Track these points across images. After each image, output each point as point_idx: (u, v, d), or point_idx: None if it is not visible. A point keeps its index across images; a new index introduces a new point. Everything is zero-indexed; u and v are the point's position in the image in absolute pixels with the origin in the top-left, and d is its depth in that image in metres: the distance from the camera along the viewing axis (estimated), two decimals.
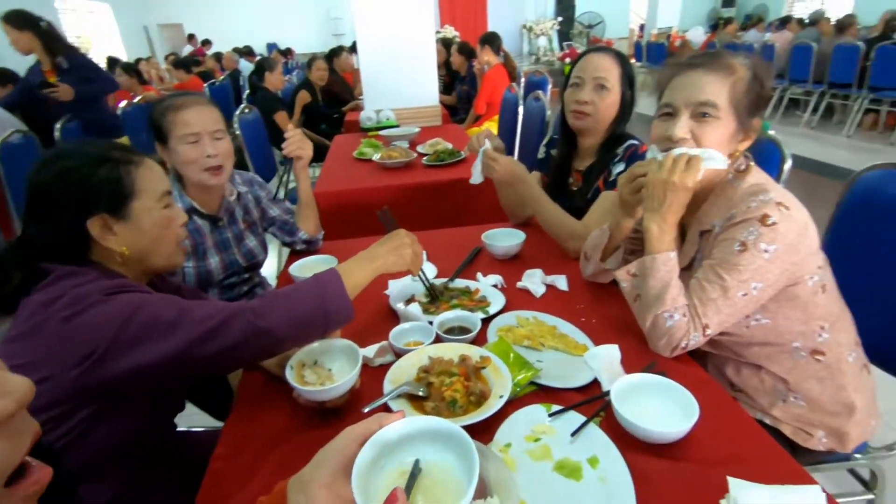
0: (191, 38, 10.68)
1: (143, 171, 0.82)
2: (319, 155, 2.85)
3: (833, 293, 0.90)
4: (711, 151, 0.84)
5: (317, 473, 0.45)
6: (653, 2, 9.20)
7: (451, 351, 0.86)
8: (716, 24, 8.16)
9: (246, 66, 7.39)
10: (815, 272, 0.85)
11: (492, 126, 3.54)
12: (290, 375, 0.78)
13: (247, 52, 8.51)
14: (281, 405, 0.82)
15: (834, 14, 7.03)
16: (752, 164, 0.90)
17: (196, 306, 0.74)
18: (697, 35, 8.03)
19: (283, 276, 1.25)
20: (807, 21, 6.73)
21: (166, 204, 0.84)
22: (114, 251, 0.79)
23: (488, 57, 3.68)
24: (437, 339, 0.92)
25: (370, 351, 0.90)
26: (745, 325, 0.87)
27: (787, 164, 1.33)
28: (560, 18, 13.49)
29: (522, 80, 4.07)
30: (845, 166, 4.27)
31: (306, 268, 1.22)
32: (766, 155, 1.35)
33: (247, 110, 2.84)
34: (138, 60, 6.80)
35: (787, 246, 0.79)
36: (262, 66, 3.46)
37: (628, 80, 1.28)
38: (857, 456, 0.99)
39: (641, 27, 10.96)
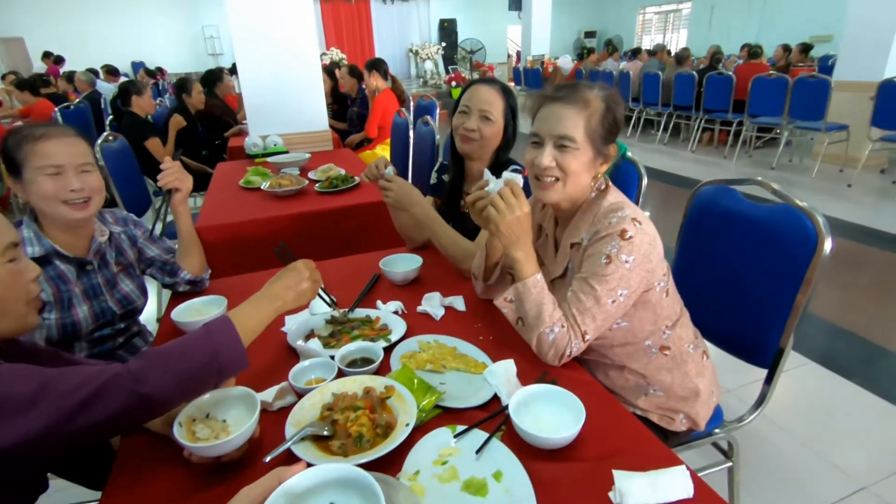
0: (47, 56, 9.40)
1: None
2: (201, 184, 2.67)
3: (674, 295, 1.05)
4: (517, 177, 0.96)
5: None
6: (526, 31, 9.99)
7: (355, 384, 0.86)
8: (581, 54, 9.09)
9: (107, 88, 6.68)
10: (662, 278, 0.99)
11: (384, 150, 3.58)
12: (179, 433, 0.71)
13: (108, 72, 7.69)
14: (170, 466, 0.75)
15: (674, 47, 8.23)
16: (610, 184, 1.03)
17: (61, 375, 0.64)
18: (566, 62, 8.87)
19: (165, 322, 1.15)
20: (652, 52, 7.76)
21: (11, 258, 0.72)
22: None
23: (377, 82, 3.73)
24: (340, 374, 0.91)
25: (269, 394, 0.86)
26: (608, 328, 0.99)
27: (644, 181, 1.52)
28: (444, 44, 14.10)
29: (411, 103, 4.19)
30: (692, 177, 4.97)
31: (192, 311, 1.14)
32: (628, 173, 1.54)
33: (111, 138, 2.57)
34: None
35: (642, 256, 0.91)
36: (128, 90, 3.15)
37: (511, 112, 1.38)
38: (716, 431, 1.15)
39: (518, 54, 11.83)
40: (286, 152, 2.83)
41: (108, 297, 1.20)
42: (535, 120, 1.00)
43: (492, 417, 0.81)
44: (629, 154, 1.55)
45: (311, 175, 2.34)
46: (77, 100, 5.36)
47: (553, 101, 0.97)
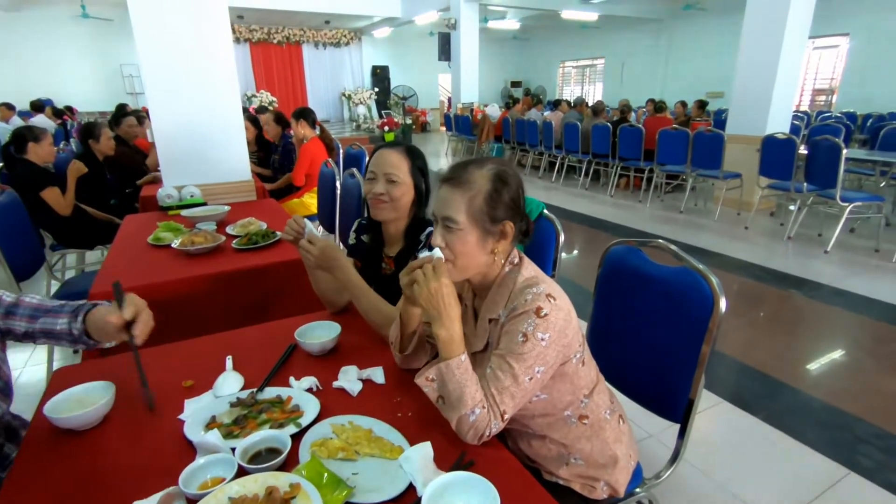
0: None
1: None
2: (108, 237, 2.46)
3: (590, 363, 1.08)
4: (436, 251, 0.97)
5: None
6: (455, 80, 10.44)
7: (257, 484, 0.78)
8: (508, 103, 9.61)
9: (2, 129, 6.12)
10: (578, 349, 1.01)
11: (311, 199, 3.51)
12: None
13: (6, 107, 7.07)
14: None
15: (591, 98, 8.94)
16: (524, 258, 1.05)
17: None
18: (494, 110, 9.32)
19: (38, 417, 1.00)
20: (572, 104, 8.36)
21: None
22: None
23: (304, 130, 3.69)
24: (242, 472, 0.83)
25: (152, 502, 0.76)
26: (528, 401, 0.98)
27: (562, 238, 1.58)
28: (376, 89, 14.40)
29: (341, 152, 4.18)
30: (612, 220, 5.29)
31: (72, 402, 1.00)
32: (546, 232, 1.59)
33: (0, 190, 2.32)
34: None
35: (557, 332, 0.93)
36: (24, 136, 2.89)
37: (419, 171, 1.40)
38: (637, 491, 1.17)
39: (450, 100, 12.29)
40: (204, 204, 2.70)
41: None
42: (433, 199, 1.02)
43: None
44: (546, 212, 1.63)
45: (229, 230, 2.23)
46: None
47: (444, 182, 0.99)
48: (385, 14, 11.41)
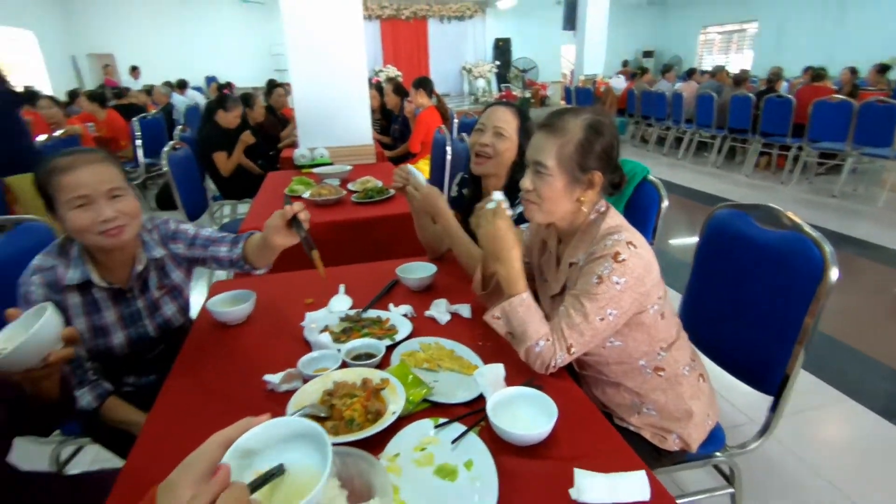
0: (133, 69, 10.34)
1: None
2: (255, 190, 2.89)
3: (671, 318, 1.07)
4: (497, 195, 1.07)
5: (183, 476, 0.50)
6: (580, 50, 9.99)
7: (355, 375, 0.95)
8: (634, 74, 8.97)
9: (179, 100, 7.27)
10: (657, 302, 1.01)
11: (425, 165, 3.71)
12: None
13: (179, 86, 8.35)
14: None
15: (737, 68, 8.00)
16: (611, 207, 1.07)
17: None
18: (619, 82, 8.78)
19: (203, 312, 1.29)
20: (710, 73, 7.56)
21: None
22: None
23: (422, 99, 3.89)
24: (344, 366, 1.00)
25: (277, 377, 0.96)
26: (601, 346, 1.02)
27: (664, 204, 1.53)
28: (497, 62, 14.30)
29: (455, 120, 4.32)
30: (743, 201, 4.79)
31: (225, 301, 1.27)
32: (649, 196, 1.56)
33: (177, 147, 2.84)
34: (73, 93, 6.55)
35: (635, 279, 0.95)
36: (222, 102, 3.45)
37: (525, 133, 1.45)
38: (717, 454, 1.15)
39: (572, 73, 11.81)
40: (331, 164, 3.02)
41: (148, 322, 1.22)
42: (529, 146, 1.07)
43: (471, 414, 0.87)
44: (650, 177, 1.59)
45: (350, 186, 2.49)
46: (154, 111, 5.88)
47: (540, 128, 1.03)
48: None
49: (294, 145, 4.01)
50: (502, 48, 14.92)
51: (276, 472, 0.52)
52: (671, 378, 1.06)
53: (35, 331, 0.77)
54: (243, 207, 3.87)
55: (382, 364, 1.02)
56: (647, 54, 15.68)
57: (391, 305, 1.27)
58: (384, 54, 14.15)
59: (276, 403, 0.92)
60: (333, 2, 2.97)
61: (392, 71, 11.11)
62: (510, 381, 0.95)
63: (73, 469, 1.27)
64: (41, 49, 10.98)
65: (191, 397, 0.98)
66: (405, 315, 1.23)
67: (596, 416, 0.89)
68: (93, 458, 1.53)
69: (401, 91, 4.30)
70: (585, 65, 9.82)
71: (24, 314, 0.86)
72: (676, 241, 3.95)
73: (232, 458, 0.51)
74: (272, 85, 4.69)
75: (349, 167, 2.79)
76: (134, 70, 10.21)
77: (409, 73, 13.76)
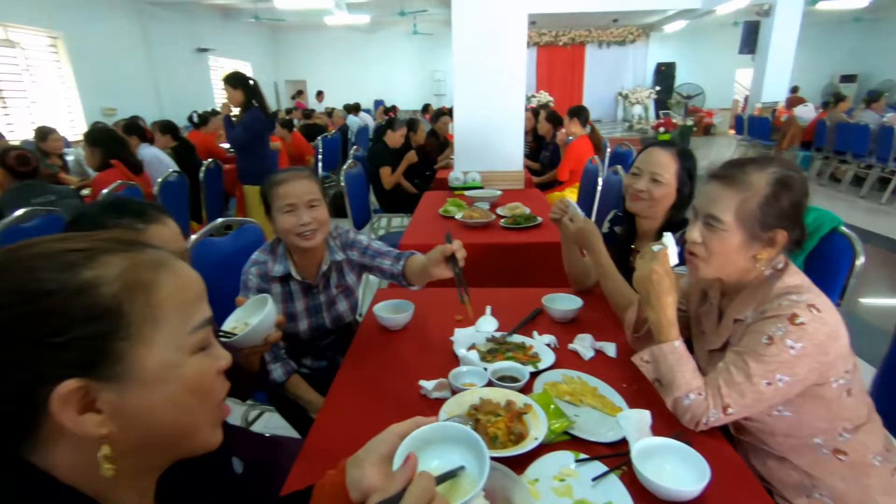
0: (319, 94, 12.02)
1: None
2: (411, 207, 3.18)
3: (860, 397, 0.93)
4: (666, 238, 1.01)
5: (369, 456, 0.61)
6: (758, 75, 8.98)
7: (500, 395, 1.01)
8: (827, 102, 7.78)
9: (353, 121, 8.24)
10: (843, 376, 0.90)
11: (572, 194, 3.69)
12: None
13: (354, 108, 9.45)
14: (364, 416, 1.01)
15: None
16: (790, 264, 0.98)
17: None
18: (807, 112, 7.70)
19: (369, 315, 1.47)
20: None
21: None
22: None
23: (575, 128, 3.88)
24: (489, 384, 1.07)
25: (430, 384, 1.07)
26: (766, 413, 0.93)
27: (860, 261, 1.34)
28: (658, 88, 13.54)
29: (608, 150, 4.22)
30: None
31: (388, 309, 1.43)
32: (840, 250, 1.38)
33: (353, 165, 3.25)
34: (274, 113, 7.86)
35: (815, 346, 0.86)
36: (391, 123, 3.93)
37: (687, 174, 1.39)
38: None
39: (747, 99, 10.68)
40: (482, 188, 3.18)
41: (326, 315, 1.45)
42: (697, 194, 1.03)
43: (615, 455, 0.87)
44: (843, 228, 1.40)
45: (499, 210, 2.60)
46: (333, 131, 6.77)
47: (714, 178, 0.98)
48: (682, 6, 10.60)
49: (448, 167, 4.30)
50: (665, 73, 14.11)
51: (457, 472, 0.59)
52: (856, 465, 0.93)
53: (262, 317, 0.98)
54: (396, 221, 4.26)
55: (525, 389, 1.07)
56: (847, 78, 13.46)
57: (535, 333, 1.31)
58: (538, 80, 14.34)
59: (427, 407, 1.02)
60: (502, 32, 3.14)
61: (544, 96, 11.22)
62: (656, 430, 0.92)
63: (254, 429, 1.55)
64: (253, 76, 13.33)
65: (358, 388, 1.13)
66: (548, 345, 1.26)
67: (754, 486, 0.82)
68: (265, 424, 1.83)
69: (555, 119, 4.35)
70: (765, 91, 8.80)
71: (246, 302, 1.09)
72: (873, 303, 3.33)
73: (404, 451, 0.61)
74: (440, 112, 5.10)
75: (499, 192, 2.91)
76: (319, 94, 11.85)
77: (561, 99, 13.75)
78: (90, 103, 7.70)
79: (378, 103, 13.12)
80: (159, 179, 2.84)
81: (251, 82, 3.29)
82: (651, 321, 1.01)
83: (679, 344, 0.97)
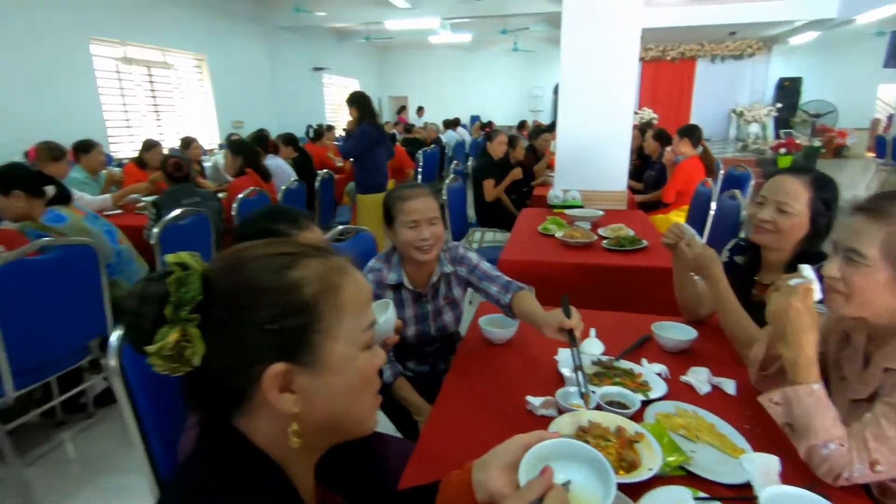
0: (419, 109, 12.56)
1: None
2: (508, 223, 3.22)
3: None
4: (806, 270, 0.93)
5: (494, 460, 0.64)
6: None
7: (609, 420, 1.00)
8: None
9: (451, 136, 8.48)
10: None
11: (678, 217, 3.51)
12: None
13: (453, 123, 9.72)
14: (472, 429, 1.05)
15: None
16: None
17: None
18: None
19: (473, 326, 1.52)
20: None
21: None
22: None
23: (685, 148, 3.69)
24: (598, 408, 1.06)
25: (537, 401, 1.08)
26: None
27: None
28: (779, 105, 12.39)
29: (721, 172, 3.95)
30: None
31: (492, 323, 1.47)
32: None
33: (454, 180, 3.37)
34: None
35: None
36: (490, 135, 4.05)
37: (823, 204, 1.28)
38: None
39: (890, 118, 9.43)
40: (582, 206, 3.13)
41: (432, 323, 1.51)
42: (838, 227, 0.95)
43: (739, 499, 0.82)
44: None
45: (600, 231, 2.54)
46: (431, 146, 7.03)
47: (859, 210, 0.90)
48: (814, 16, 9.62)
49: (546, 184, 4.29)
50: (788, 89, 12.89)
51: (566, 487, 0.61)
52: None
53: (384, 321, 1.06)
54: (489, 235, 4.31)
55: (635, 417, 1.04)
56: None
57: (644, 361, 1.28)
58: (641, 96, 13.76)
59: (533, 422, 1.04)
60: (613, 48, 3.09)
61: (647, 113, 10.74)
62: (785, 478, 0.86)
63: None
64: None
65: (464, 397, 1.18)
66: (659, 374, 1.22)
67: None
68: None
69: (663, 138, 4.17)
70: None
71: None
72: None
73: (529, 461, 0.63)
74: (539, 129, 5.12)
75: (601, 212, 2.85)
76: (419, 110, 12.35)
77: (665, 116, 13.04)
78: (223, 116, 8.71)
79: (474, 119, 13.38)
80: (283, 187, 3.14)
81: (366, 100, 3.57)
82: (786, 360, 0.94)
83: (819, 387, 0.90)
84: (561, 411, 1.06)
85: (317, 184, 3.61)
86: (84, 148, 3.68)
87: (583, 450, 0.65)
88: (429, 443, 1.02)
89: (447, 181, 3.21)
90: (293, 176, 3.68)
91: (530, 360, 1.34)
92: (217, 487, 0.48)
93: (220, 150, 6.36)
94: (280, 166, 3.73)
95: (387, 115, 14.79)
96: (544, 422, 1.02)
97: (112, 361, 1.02)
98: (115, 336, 1.03)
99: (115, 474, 1.99)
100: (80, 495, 1.90)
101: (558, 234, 2.44)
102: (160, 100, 7.69)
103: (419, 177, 5.50)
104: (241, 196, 2.67)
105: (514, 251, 2.38)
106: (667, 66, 13.64)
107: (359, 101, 3.56)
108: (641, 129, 4.81)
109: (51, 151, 3.07)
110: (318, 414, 0.52)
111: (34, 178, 2.10)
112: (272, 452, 0.52)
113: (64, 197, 2.17)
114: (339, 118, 12.80)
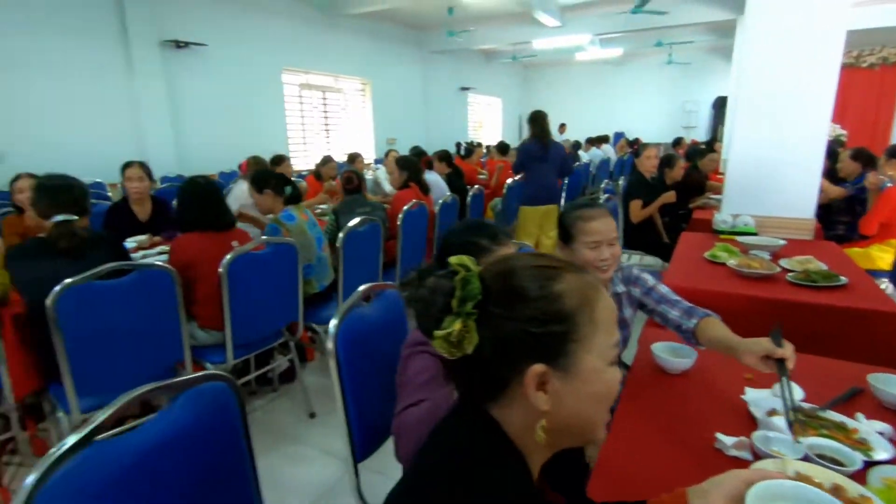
0: (562, 126, 12.47)
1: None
2: (654, 247, 3.02)
3: None
4: None
5: (715, 490, 0.62)
6: None
7: (823, 475, 0.89)
8: None
9: (596, 154, 8.23)
10: None
11: (879, 253, 2.97)
12: None
13: (597, 140, 9.40)
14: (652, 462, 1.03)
15: None
16: None
17: None
18: None
19: (644, 351, 1.47)
20: None
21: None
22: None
23: (893, 171, 3.12)
24: (805, 459, 0.96)
25: (729, 440, 1.01)
26: None
27: None
28: None
29: None
30: None
31: (667, 351, 1.40)
32: None
33: (610, 199, 3.28)
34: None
35: None
36: (639, 150, 3.91)
37: None
38: None
39: None
40: (755, 234, 2.82)
41: None
42: None
43: None
44: None
45: (782, 262, 2.27)
46: (578, 163, 6.90)
47: None
48: None
49: (706, 207, 3.95)
50: None
51: None
52: None
53: None
54: (635, 258, 4.09)
55: (854, 478, 0.92)
56: None
57: (860, 415, 1.12)
58: None
59: (725, 462, 0.97)
60: (807, 54, 2.75)
61: (834, 129, 9.25)
62: None
63: None
64: (503, 110, 14.58)
65: (642, 423, 1.15)
66: (881, 433, 1.06)
67: None
68: None
69: (865, 158, 3.57)
70: None
71: None
72: None
73: (758, 497, 0.60)
74: (707, 149, 4.75)
75: (782, 241, 2.54)
76: (562, 126, 12.21)
77: (857, 133, 11.08)
78: (379, 134, 9.60)
79: (618, 136, 12.82)
80: (440, 201, 3.36)
81: (536, 119, 3.84)
82: None
83: None
84: (757, 455, 0.98)
85: (469, 198, 3.79)
86: (278, 161, 4.36)
87: (821, 497, 0.61)
88: (609, 462, 1.02)
89: (600, 201, 3.13)
90: (447, 190, 3.90)
91: (713, 395, 1.26)
92: (475, 466, 0.55)
93: (375, 165, 6.99)
94: (436, 181, 3.99)
95: (525, 133, 14.90)
96: (736, 463, 0.95)
97: (329, 344, 1.20)
98: (332, 324, 1.22)
99: (293, 444, 2.30)
100: (266, 459, 2.22)
101: (731, 263, 2.23)
102: (330, 119, 8.74)
103: (563, 195, 5.44)
104: (406, 208, 2.92)
105: (677, 277, 2.23)
106: (861, 75, 11.62)
107: (530, 120, 3.87)
108: (830, 149, 4.16)
109: (258, 164, 3.68)
110: (562, 416, 0.57)
111: (280, 180, 2.60)
112: (517, 442, 0.58)
113: (295, 198, 2.66)
114: (480, 135, 13.24)
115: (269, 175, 2.61)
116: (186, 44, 6.01)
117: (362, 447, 1.26)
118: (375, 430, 1.31)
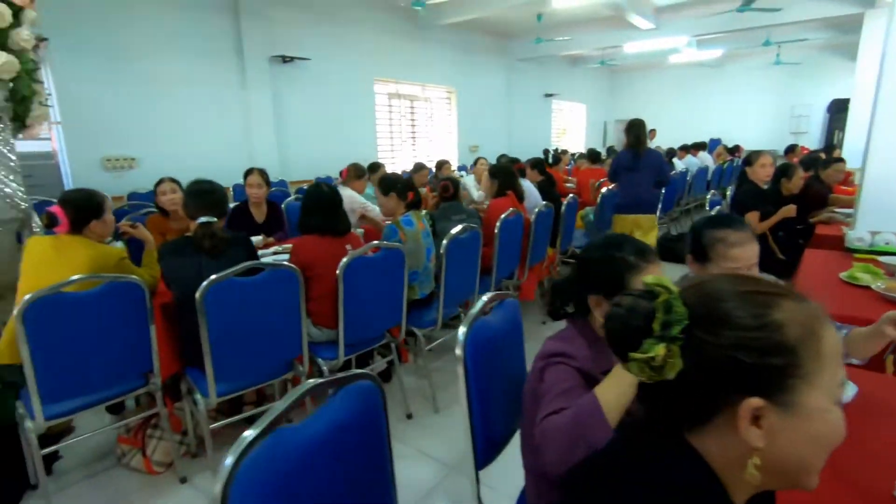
0: (651, 131, 11.92)
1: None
2: (766, 264, 2.75)
3: None
4: None
5: None
6: None
7: None
8: None
9: (692, 162, 7.74)
10: None
11: None
12: None
13: (695, 147, 8.83)
14: None
15: None
16: None
17: None
18: None
19: None
20: None
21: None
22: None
23: None
24: None
25: None
26: None
27: None
28: None
29: None
30: None
31: None
32: None
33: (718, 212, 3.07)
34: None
35: None
36: (751, 157, 3.60)
37: None
38: None
39: None
40: None
41: None
42: None
43: None
44: None
45: None
46: (674, 172, 6.53)
47: None
48: None
49: (831, 222, 3.58)
50: None
51: None
52: None
53: None
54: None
55: None
56: None
57: None
58: None
59: None
60: None
61: None
62: None
63: None
64: (587, 117, 14.19)
65: None
66: None
67: None
68: None
69: None
70: None
71: None
72: None
73: None
74: (830, 159, 4.29)
75: None
76: (651, 132, 11.65)
77: None
78: (462, 141, 9.70)
79: (714, 143, 11.99)
80: (535, 209, 3.33)
81: (631, 127, 3.73)
82: None
83: None
84: None
85: (563, 207, 3.71)
86: (374, 168, 4.54)
87: None
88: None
89: (708, 210, 2.94)
90: (540, 198, 3.86)
91: (884, 432, 1.12)
92: (670, 494, 0.53)
93: (460, 173, 7.07)
94: (530, 189, 3.95)
95: (611, 140, 14.37)
96: None
97: (458, 351, 1.23)
98: (461, 331, 1.24)
99: (395, 443, 2.36)
100: None
101: (878, 287, 2.00)
102: (417, 128, 8.99)
103: (659, 205, 5.17)
104: (503, 216, 2.92)
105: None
106: None
107: (627, 128, 3.78)
108: None
109: (357, 171, 3.86)
110: (776, 455, 0.52)
111: (404, 185, 2.72)
112: (720, 475, 0.54)
113: (416, 203, 2.76)
114: (564, 142, 12.97)
115: (396, 179, 2.74)
116: (292, 58, 6.45)
117: (483, 454, 1.27)
118: (495, 440, 1.31)
